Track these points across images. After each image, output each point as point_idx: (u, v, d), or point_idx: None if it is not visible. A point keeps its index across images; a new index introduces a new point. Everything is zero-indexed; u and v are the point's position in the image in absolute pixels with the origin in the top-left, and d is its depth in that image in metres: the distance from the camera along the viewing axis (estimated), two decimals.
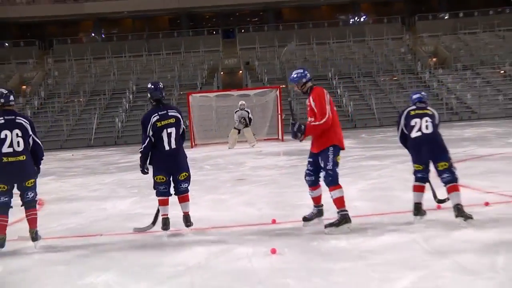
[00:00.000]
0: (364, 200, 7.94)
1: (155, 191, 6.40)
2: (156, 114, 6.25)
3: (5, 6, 43.06)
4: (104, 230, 6.96)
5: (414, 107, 6.56)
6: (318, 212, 6.63)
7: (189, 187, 6.55)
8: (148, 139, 6.24)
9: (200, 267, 5.06)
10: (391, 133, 19.68)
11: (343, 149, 6.36)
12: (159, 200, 6.40)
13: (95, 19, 44.67)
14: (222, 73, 38.65)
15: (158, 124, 6.20)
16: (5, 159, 6.03)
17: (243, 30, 45.14)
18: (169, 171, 6.33)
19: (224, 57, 41.21)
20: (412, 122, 6.41)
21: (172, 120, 6.27)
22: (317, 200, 6.63)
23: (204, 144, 22.85)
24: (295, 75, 6.55)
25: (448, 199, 6.31)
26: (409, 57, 39.47)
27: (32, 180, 6.30)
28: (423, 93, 6.78)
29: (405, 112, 6.57)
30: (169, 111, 6.33)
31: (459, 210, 6.16)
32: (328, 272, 4.69)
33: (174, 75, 37.37)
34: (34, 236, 6.24)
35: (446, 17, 43.72)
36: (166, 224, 6.34)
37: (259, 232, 6.36)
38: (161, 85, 6.62)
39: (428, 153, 6.35)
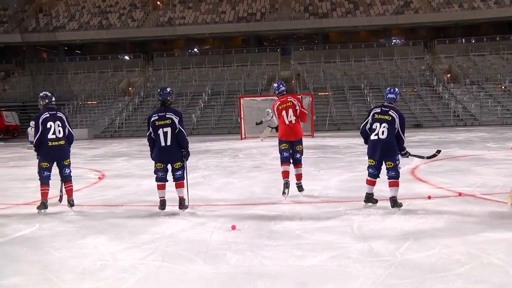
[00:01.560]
0: (337, 189, 7.57)
1: (155, 176, 6.15)
2: (156, 114, 6.01)
3: (122, 29, 44.56)
4: (127, 202, 6.93)
5: (379, 110, 6.07)
6: (299, 187, 7.10)
7: (184, 175, 6.14)
8: (148, 132, 6.09)
9: (171, 236, 4.95)
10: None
11: (283, 139, 7.05)
12: (157, 185, 6.13)
13: (185, 39, 45.35)
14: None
15: (156, 123, 5.96)
16: (49, 143, 6.24)
17: (299, 49, 44.61)
18: (165, 161, 6.08)
19: (281, 69, 40.83)
20: (374, 125, 6.07)
21: (168, 121, 5.95)
22: (297, 177, 7.13)
23: (252, 137, 22.15)
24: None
25: (438, 152, 6.60)
26: (427, 73, 37.90)
27: (68, 160, 6.48)
28: (397, 90, 6.25)
29: (372, 113, 6.15)
30: (167, 113, 5.98)
31: (394, 202, 5.93)
32: (262, 248, 4.48)
33: (241, 82, 37.48)
34: (71, 203, 6.41)
35: (460, 42, 41.57)
36: (162, 205, 6.10)
37: (235, 211, 6.19)
38: (168, 90, 6.19)
39: (380, 154, 6.06)
